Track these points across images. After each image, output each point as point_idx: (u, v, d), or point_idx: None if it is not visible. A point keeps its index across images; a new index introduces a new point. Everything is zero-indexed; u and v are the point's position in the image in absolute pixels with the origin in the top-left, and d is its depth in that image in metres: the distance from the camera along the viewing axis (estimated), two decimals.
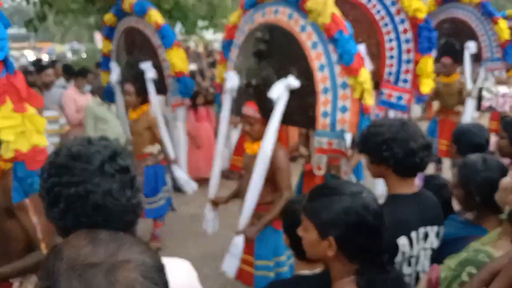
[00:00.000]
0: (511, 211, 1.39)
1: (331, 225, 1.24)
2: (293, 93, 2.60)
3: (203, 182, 5.49)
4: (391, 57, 3.57)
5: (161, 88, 4.14)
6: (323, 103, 2.52)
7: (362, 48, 3.41)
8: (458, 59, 4.91)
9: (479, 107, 5.54)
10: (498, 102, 5.39)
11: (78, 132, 5.00)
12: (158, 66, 4.07)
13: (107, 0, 6.79)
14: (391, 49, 3.56)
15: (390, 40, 3.55)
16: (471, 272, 1.38)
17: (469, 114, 4.73)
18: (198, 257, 3.83)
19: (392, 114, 3.53)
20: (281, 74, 2.62)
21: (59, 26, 18.57)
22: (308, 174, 3.22)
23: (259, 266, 2.82)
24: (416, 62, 3.46)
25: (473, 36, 5.16)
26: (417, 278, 1.67)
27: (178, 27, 7.58)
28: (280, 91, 2.56)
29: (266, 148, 2.58)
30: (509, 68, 5.41)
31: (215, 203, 3.09)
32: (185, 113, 4.49)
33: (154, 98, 4.06)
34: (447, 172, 4.73)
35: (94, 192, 1.00)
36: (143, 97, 4.06)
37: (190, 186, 4.16)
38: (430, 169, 4.73)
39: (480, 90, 5.30)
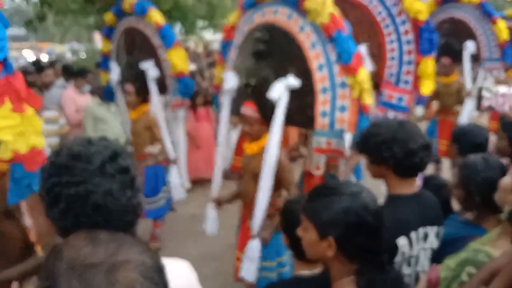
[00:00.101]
0: (511, 211, 1.39)
1: (331, 225, 1.24)
2: (292, 93, 2.60)
3: (202, 182, 5.51)
4: (392, 58, 3.58)
5: (161, 88, 4.14)
6: (322, 103, 2.52)
7: (363, 49, 3.41)
8: (457, 59, 4.92)
9: (479, 107, 5.55)
10: (498, 102, 5.39)
11: (78, 132, 5.00)
12: (158, 66, 4.07)
13: (106, 0, 6.79)
14: (392, 50, 3.56)
15: (391, 41, 3.55)
16: (471, 272, 1.38)
17: (466, 114, 4.74)
18: (197, 257, 3.83)
19: (391, 114, 3.53)
20: (280, 74, 2.62)
21: (58, 26, 18.57)
22: (308, 174, 3.21)
23: (261, 267, 2.82)
24: (417, 64, 3.47)
25: (472, 36, 5.17)
26: (417, 278, 1.67)
27: (178, 27, 7.59)
28: (280, 91, 2.56)
29: (272, 151, 2.55)
30: (508, 68, 5.42)
31: (219, 203, 3.08)
32: (185, 114, 4.48)
33: (156, 97, 4.05)
34: (447, 172, 4.73)
35: (95, 192, 1.00)
36: (143, 97, 4.06)
37: (178, 192, 4.09)
38: (430, 169, 4.73)
39: (480, 90, 5.30)
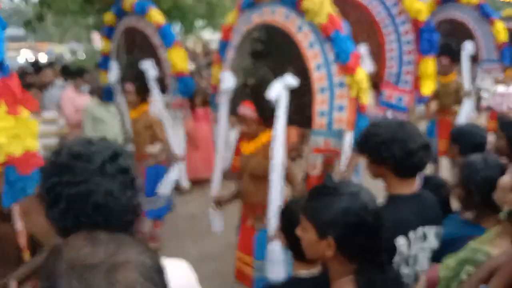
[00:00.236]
0: (510, 211, 1.39)
1: (330, 225, 1.24)
2: (290, 92, 2.59)
3: (201, 182, 5.51)
4: (392, 58, 3.58)
5: (161, 88, 4.13)
6: (320, 103, 2.52)
7: (363, 49, 3.42)
8: (455, 59, 4.92)
9: (478, 107, 5.55)
10: (496, 102, 5.40)
11: (78, 133, 4.99)
12: (158, 66, 4.07)
13: (106, 0, 6.79)
14: (392, 50, 3.57)
15: (391, 42, 3.56)
16: (470, 271, 1.38)
17: (464, 114, 4.74)
18: (197, 257, 3.84)
19: (390, 114, 3.53)
20: (278, 73, 2.62)
21: (58, 27, 18.55)
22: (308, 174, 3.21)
23: (259, 266, 2.82)
24: (417, 64, 3.47)
25: (471, 37, 5.18)
26: (416, 278, 1.67)
27: (178, 27, 7.59)
28: (278, 91, 2.56)
29: (278, 153, 2.52)
30: (505, 69, 5.43)
31: (219, 203, 3.07)
32: (185, 113, 4.48)
33: (157, 97, 4.04)
34: (445, 171, 4.74)
35: (95, 191, 1.00)
36: (143, 96, 4.06)
37: (164, 188, 3.94)
38: (429, 169, 4.73)
39: (479, 90, 5.31)
